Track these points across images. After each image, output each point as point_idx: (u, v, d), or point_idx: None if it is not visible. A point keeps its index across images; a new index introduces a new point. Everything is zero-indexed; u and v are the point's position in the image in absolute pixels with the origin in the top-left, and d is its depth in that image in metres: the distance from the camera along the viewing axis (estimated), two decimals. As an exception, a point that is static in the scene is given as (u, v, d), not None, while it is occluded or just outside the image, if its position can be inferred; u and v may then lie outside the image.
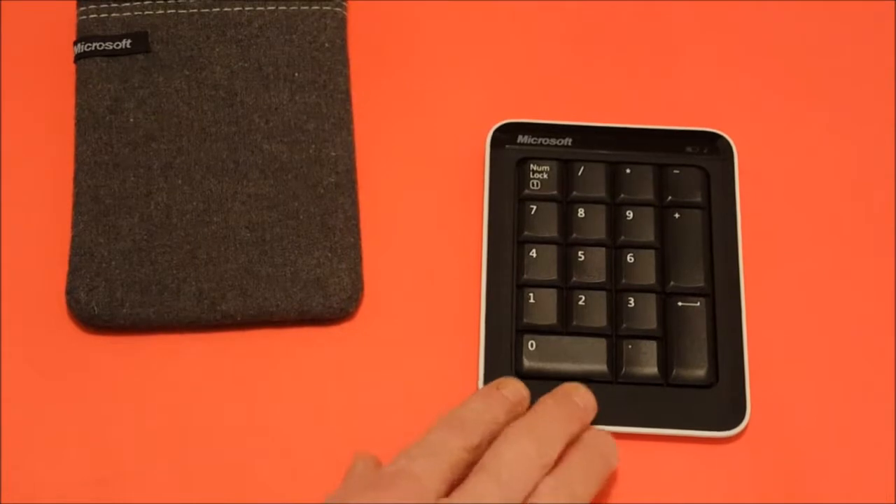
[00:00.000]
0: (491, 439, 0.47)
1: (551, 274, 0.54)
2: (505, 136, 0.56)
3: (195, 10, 0.57)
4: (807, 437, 0.52)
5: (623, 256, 0.54)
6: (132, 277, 0.53)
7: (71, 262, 0.53)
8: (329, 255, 0.54)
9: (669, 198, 0.55)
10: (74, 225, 0.54)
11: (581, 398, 0.50)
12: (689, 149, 0.56)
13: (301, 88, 0.56)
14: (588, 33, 0.60)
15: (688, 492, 0.51)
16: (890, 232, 0.56)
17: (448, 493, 0.45)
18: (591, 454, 0.48)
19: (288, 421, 0.52)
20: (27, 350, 0.53)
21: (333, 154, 0.55)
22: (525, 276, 0.54)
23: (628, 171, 0.55)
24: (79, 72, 0.57)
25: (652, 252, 0.54)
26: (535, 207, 0.55)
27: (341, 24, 0.58)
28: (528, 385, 0.51)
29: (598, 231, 0.54)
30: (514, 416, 0.48)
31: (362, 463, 0.47)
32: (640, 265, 0.54)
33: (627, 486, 0.51)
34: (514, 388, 0.49)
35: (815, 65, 0.60)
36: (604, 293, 0.53)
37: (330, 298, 0.53)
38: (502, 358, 0.52)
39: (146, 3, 0.58)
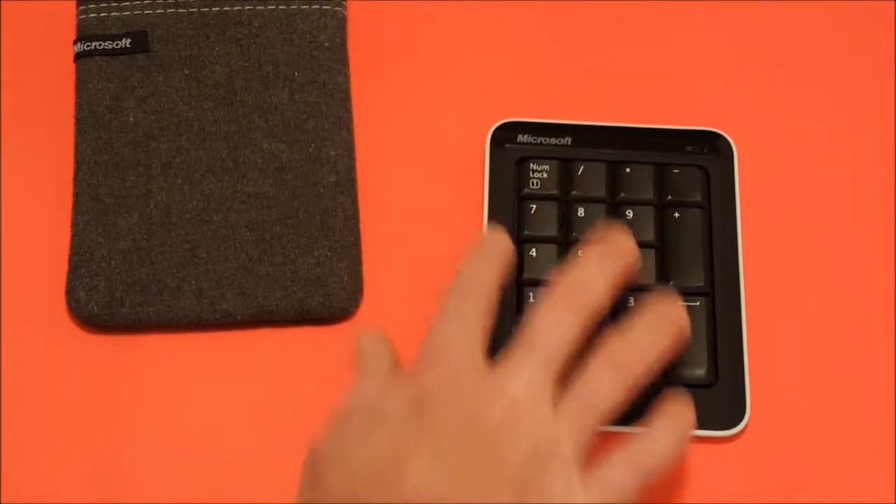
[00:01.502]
0: (493, 295, 0.47)
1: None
2: (505, 135, 0.56)
3: (195, 10, 0.57)
4: (807, 437, 0.52)
5: (623, 256, 0.54)
6: (132, 277, 0.53)
7: (71, 261, 0.53)
8: (329, 254, 0.54)
9: (669, 197, 0.55)
10: (74, 224, 0.54)
11: (621, 239, 0.49)
12: (689, 148, 0.56)
13: (301, 88, 0.56)
14: (588, 33, 0.60)
15: (688, 491, 0.51)
16: (890, 232, 0.56)
17: (484, 351, 0.46)
18: (656, 318, 0.48)
19: (288, 420, 0.52)
20: (27, 349, 0.53)
21: (333, 153, 0.55)
22: (525, 275, 0.54)
23: (628, 170, 0.55)
24: (78, 71, 0.57)
25: (652, 251, 0.54)
26: (534, 206, 0.55)
27: (341, 23, 0.58)
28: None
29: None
30: (508, 265, 0.49)
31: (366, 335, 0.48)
32: (640, 264, 0.54)
33: (627, 486, 0.51)
34: (496, 239, 0.49)
35: (815, 65, 0.60)
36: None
37: (330, 297, 0.53)
38: (502, 357, 0.52)
39: (146, 2, 0.58)
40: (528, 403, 0.44)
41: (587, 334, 0.47)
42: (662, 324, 0.47)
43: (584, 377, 0.46)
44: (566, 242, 0.54)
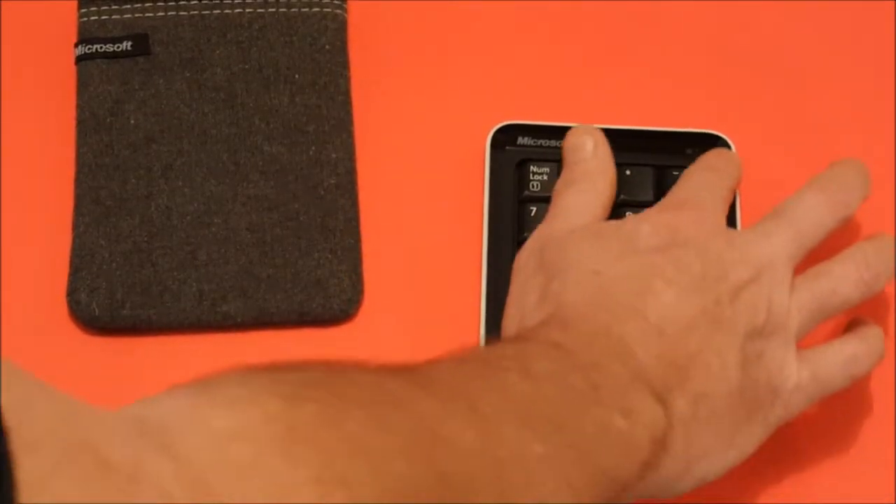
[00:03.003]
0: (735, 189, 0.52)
1: (551, 275, 0.53)
2: (505, 137, 0.56)
3: (196, 12, 0.57)
4: (807, 438, 0.52)
5: (623, 257, 0.54)
6: (133, 279, 0.53)
7: (72, 263, 0.53)
8: (329, 256, 0.54)
9: (669, 199, 0.55)
10: (75, 227, 0.54)
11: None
12: (689, 150, 0.56)
13: (301, 90, 0.56)
14: (588, 34, 0.60)
15: (688, 494, 0.51)
16: (890, 232, 0.56)
17: None
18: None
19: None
20: (28, 351, 0.53)
21: (334, 156, 0.55)
22: (525, 278, 0.53)
23: (628, 172, 0.55)
24: (79, 74, 0.57)
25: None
26: (535, 209, 0.55)
27: (342, 26, 0.58)
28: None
29: (598, 232, 0.54)
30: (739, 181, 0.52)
31: (591, 141, 0.52)
32: None
33: (627, 488, 0.51)
34: (737, 160, 0.53)
35: (815, 66, 0.60)
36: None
37: (330, 300, 0.53)
38: (502, 359, 0.52)
39: (147, 4, 0.58)
40: (770, 274, 0.46)
41: (835, 230, 0.49)
42: None
43: (830, 267, 0.48)
44: (566, 244, 0.54)
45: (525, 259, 0.49)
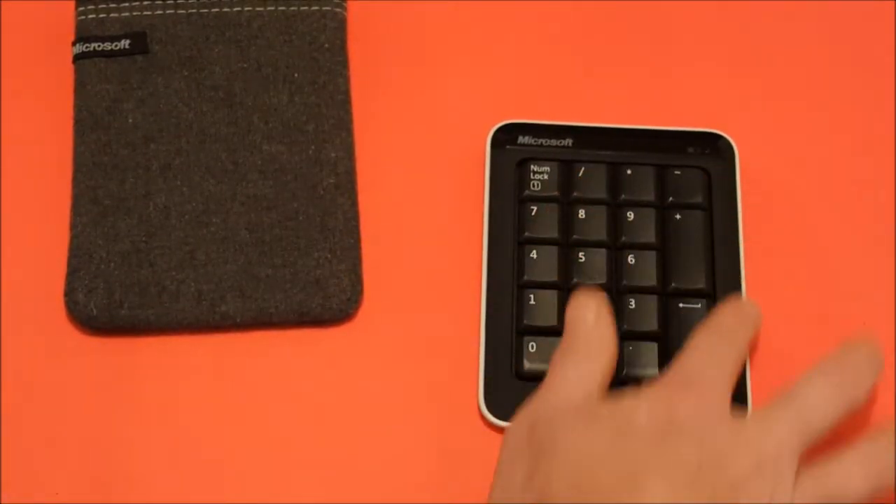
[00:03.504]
0: (746, 355, 0.49)
1: (552, 275, 0.53)
2: (505, 136, 0.56)
3: (194, 11, 0.57)
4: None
5: (624, 257, 0.54)
6: (131, 279, 0.53)
7: (70, 263, 0.53)
8: (329, 256, 0.54)
9: (670, 199, 0.55)
10: (73, 226, 0.54)
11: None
12: (690, 149, 0.56)
13: (300, 89, 0.56)
14: (588, 33, 0.60)
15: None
16: (890, 233, 0.56)
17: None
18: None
19: (287, 422, 0.52)
20: (26, 351, 0.53)
21: (333, 155, 0.55)
22: (525, 278, 0.53)
23: (629, 171, 0.55)
24: (77, 72, 0.57)
25: (653, 253, 0.54)
26: (535, 208, 0.55)
27: (341, 24, 0.58)
28: (528, 387, 0.51)
29: (599, 232, 0.54)
30: (756, 333, 0.50)
31: (593, 314, 0.48)
32: (641, 266, 0.54)
33: (629, 488, 0.51)
34: (757, 311, 0.50)
35: (815, 65, 0.60)
36: (604, 294, 0.53)
37: (330, 300, 0.53)
38: (503, 359, 0.52)
39: (145, 3, 0.57)
40: (774, 466, 0.44)
41: (844, 420, 0.46)
42: None
43: (836, 465, 0.45)
44: (567, 244, 0.54)
45: (515, 432, 0.46)
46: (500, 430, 0.51)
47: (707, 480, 0.43)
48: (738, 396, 0.51)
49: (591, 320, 0.48)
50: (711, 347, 0.47)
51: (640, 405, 0.45)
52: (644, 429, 0.44)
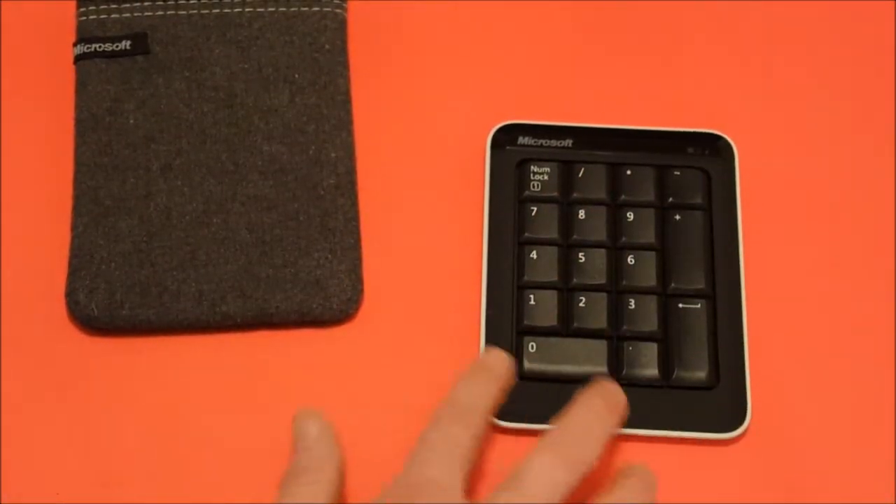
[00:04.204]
0: (489, 418, 0.47)
1: (552, 275, 0.53)
2: (505, 137, 0.56)
3: (195, 12, 0.57)
4: (807, 439, 0.52)
5: (624, 258, 0.54)
6: (132, 279, 0.53)
7: (71, 263, 0.53)
8: (329, 256, 0.54)
9: (670, 199, 0.55)
10: (74, 227, 0.54)
11: (612, 395, 0.48)
12: (689, 150, 0.56)
13: (301, 90, 0.56)
14: (588, 34, 0.60)
15: (689, 494, 0.51)
16: (890, 233, 0.56)
17: (466, 488, 0.45)
18: (639, 487, 0.47)
19: (288, 422, 0.52)
20: (27, 352, 0.53)
21: (333, 155, 0.55)
22: (525, 278, 0.53)
23: (629, 172, 0.55)
24: (78, 73, 0.57)
25: (653, 253, 0.54)
26: (535, 209, 0.55)
27: (341, 25, 0.58)
28: (528, 387, 0.51)
29: (599, 232, 0.54)
30: (507, 387, 0.48)
31: (315, 426, 0.47)
32: (641, 267, 0.54)
33: (628, 488, 0.51)
34: (498, 360, 0.49)
35: (815, 66, 0.60)
36: (604, 295, 0.53)
37: (330, 300, 0.53)
38: (503, 360, 0.52)
39: (146, 4, 0.57)
40: None
41: (575, 490, 0.45)
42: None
43: None
44: (567, 245, 0.54)
45: None
46: (501, 429, 0.51)
47: None
48: (738, 398, 0.52)
49: (313, 435, 0.48)
50: (437, 436, 0.46)
51: None
52: None
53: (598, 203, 0.55)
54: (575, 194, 0.55)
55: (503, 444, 0.52)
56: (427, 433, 0.46)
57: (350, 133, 0.56)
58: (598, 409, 0.47)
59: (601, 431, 0.47)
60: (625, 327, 0.53)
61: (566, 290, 0.53)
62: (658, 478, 0.48)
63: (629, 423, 0.50)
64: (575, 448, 0.46)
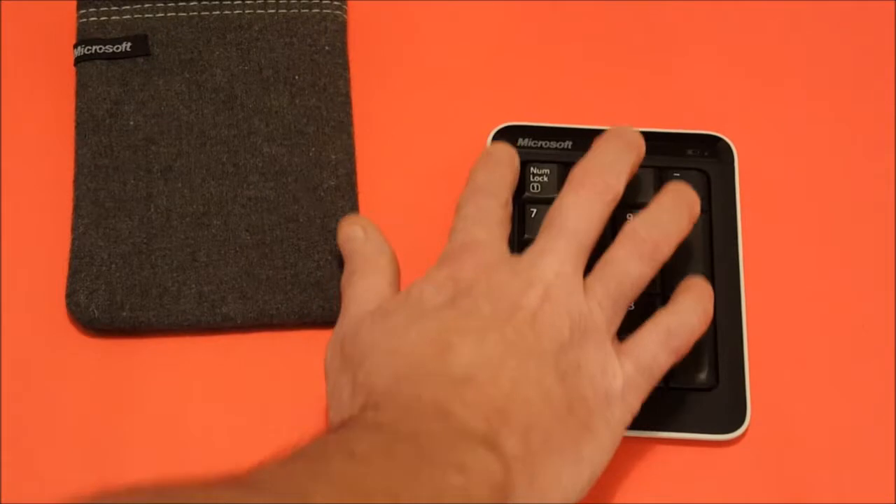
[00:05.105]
0: (511, 191, 0.51)
1: (552, 277, 0.53)
2: (505, 138, 0.56)
3: (195, 13, 0.57)
4: (807, 440, 0.52)
5: (624, 259, 0.54)
6: (132, 280, 0.53)
7: (71, 265, 0.53)
8: (329, 258, 0.54)
9: (670, 200, 0.55)
10: (74, 228, 0.54)
11: (628, 134, 0.51)
12: (689, 152, 0.56)
13: (301, 91, 0.56)
14: (588, 35, 0.60)
15: (689, 495, 0.51)
16: (890, 234, 0.56)
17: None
18: (676, 198, 0.50)
19: (288, 423, 0.52)
20: (27, 353, 0.53)
21: (333, 157, 0.55)
22: (525, 279, 0.53)
23: (629, 173, 0.55)
24: (79, 75, 0.57)
25: (652, 255, 0.54)
26: (535, 210, 0.55)
27: (341, 27, 0.58)
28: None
29: (599, 234, 0.54)
30: (517, 172, 0.52)
31: (361, 229, 0.52)
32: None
33: (628, 490, 0.51)
34: (505, 151, 0.52)
35: (815, 66, 0.60)
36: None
37: (330, 301, 0.53)
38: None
39: (146, 5, 0.57)
40: (559, 288, 0.46)
41: (608, 219, 0.49)
42: (681, 203, 0.50)
43: (610, 255, 0.48)
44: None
45: (330, 360, 0.48)
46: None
47: (505, 321, 0.45)
48: (738, 399, 0.52)
49: (360, 236, 0.51)
50: (472, 205, 0.50)
51: (425, 287, 0.47)
52: (435, 304, 0.46)
53: (598, 204, 0.55)
54: (575, 196, 0.55)
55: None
56: (459, 211, 0.50)
57: (350, 135, 0.56)
58: (617, 145, 0.50)
59: (622, 165, 0.50)
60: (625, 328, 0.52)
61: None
62: (658, 478, 0.49)
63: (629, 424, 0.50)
64: (600, 178, 0.49)
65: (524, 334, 0.45)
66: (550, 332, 0.45)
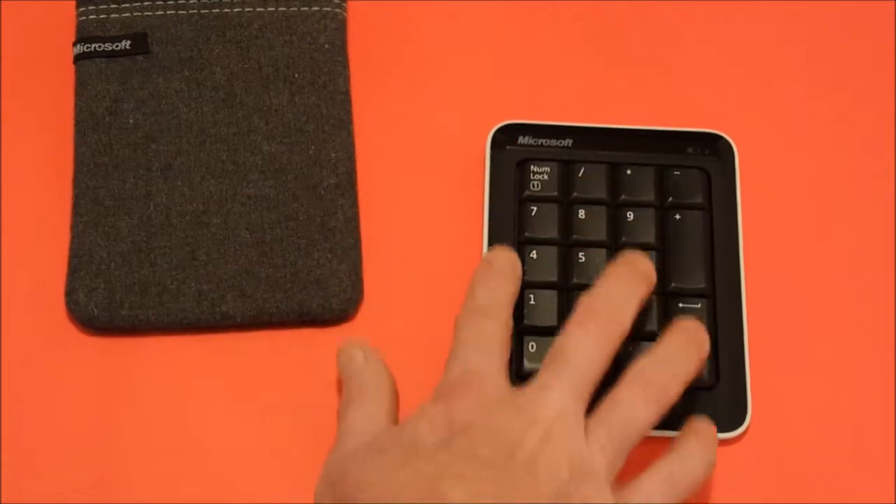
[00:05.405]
0: (510, 312, 0.49)
1: (552, 275, 0.53)
2: (505, 137, 0.56)
3: (195, 11, 0.57)
4: (808, 439, 0.52)
5: (624, 258, 0.54)
6: (132, 279, 0.53)
7: (70, 263, 0.53)
8: (329, 256, 0.54)
9: (670, 199, 0.55)
10: (74, 226, 0.54)
11: (639, 263, 0.50)
12: (689, 150, 0.56)
13: (301, 90, 0.56)
14: (588, 33, 0.60)
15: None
16: (890, 233, 0.56)
17: (506, 376, 0.47)
18: (686, 339, 0.48)
19: (288, 422, 0.52)
20: (27, 351, 0.53)
21: (333, 155, 0.55)
22: (526, 278, 0.53)
23: (629, 172, 0.55)
24: (78, 73, 0.57)
25: (653, 253, 0.54)
26: (535, 209, 0.55)
27: (341, 25, 0.58)
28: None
29: (599, 232, 0.54)
30: (519, 282, 0.50)
31: (361, 353, 0.50)
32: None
33: (628, 488, 0.51)
34: (505, 259, 0.50)
35: (815, 65, 0.60)
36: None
37: (330, 300, 0.53)
38: (503, 359, 0.52)
39: (145, 3, 0.57)
40: (560, 429, 0.44)
41: (614, 356, 0.47)
42: (691, 344, 0.48)
43: (615, 397, 0.46)
44: (567, 244, 0.54)
45: (322, 491, 0.47)
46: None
47: (502, 464, 0.43)
48: (738, 398, 0.52)
49: (360, 361, 0.50)
50: (471, 329, 0.48)
51: (420, 423, 0.45)
52: (430, 442, 0.44)
53: (599, 203, 0.55)
54: (575, 194, 0.55)
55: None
56: (458, 333, 0.48)
57: (350, 133, 0.56)
58: (629, 279, 0.49)
59: (632, 300, 0.48)
60: (625, 327, 0.53)
61: (566, 290, 0.53)
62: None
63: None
64: (607, 319, 0.47)
65: (521, 479, 0.43)
66: (548, 475, 0.43)
